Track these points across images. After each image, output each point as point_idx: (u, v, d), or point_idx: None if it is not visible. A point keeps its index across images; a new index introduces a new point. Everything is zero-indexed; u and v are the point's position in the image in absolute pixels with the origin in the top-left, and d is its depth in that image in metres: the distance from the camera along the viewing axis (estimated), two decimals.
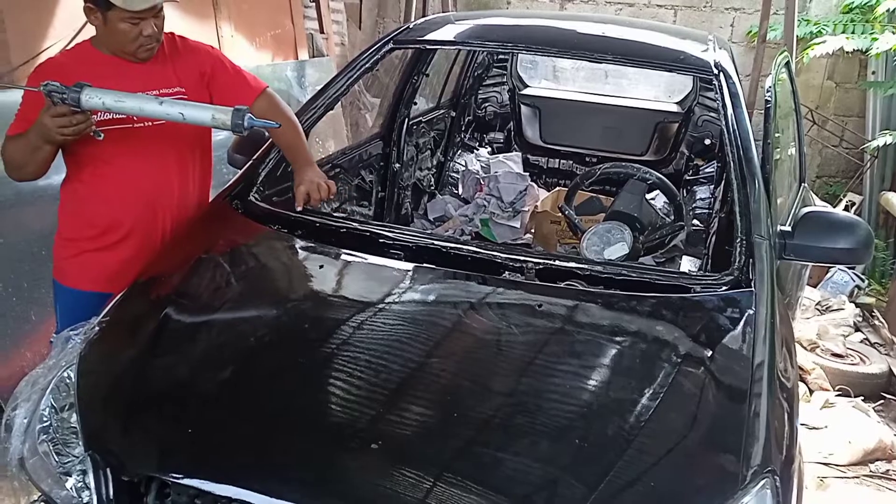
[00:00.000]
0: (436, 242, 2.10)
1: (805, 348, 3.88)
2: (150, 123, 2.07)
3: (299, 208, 2.21)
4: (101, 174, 2.09)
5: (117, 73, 2.00)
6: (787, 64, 3.17)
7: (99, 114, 1.93)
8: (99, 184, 2.09)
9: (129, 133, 2.06)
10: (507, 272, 1.99)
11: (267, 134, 2.32)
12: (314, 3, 5.19)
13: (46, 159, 1.97)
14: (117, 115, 1.97)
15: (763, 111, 2.36)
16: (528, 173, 4.26)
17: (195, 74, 2.15)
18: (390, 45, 2.72)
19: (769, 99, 2.36)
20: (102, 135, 1.93)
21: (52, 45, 2.09)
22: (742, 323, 1.83)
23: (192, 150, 2.24)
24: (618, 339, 1.81)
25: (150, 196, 2.14)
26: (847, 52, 5.80)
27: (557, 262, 2.02)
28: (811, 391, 3.63)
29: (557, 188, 4.06)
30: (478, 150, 4.51)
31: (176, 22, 3.72)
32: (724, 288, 1.91)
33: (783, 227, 2.11)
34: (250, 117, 1.84)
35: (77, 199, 2.13)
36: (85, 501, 1.54)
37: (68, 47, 2.19)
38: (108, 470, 1.53)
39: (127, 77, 2.01)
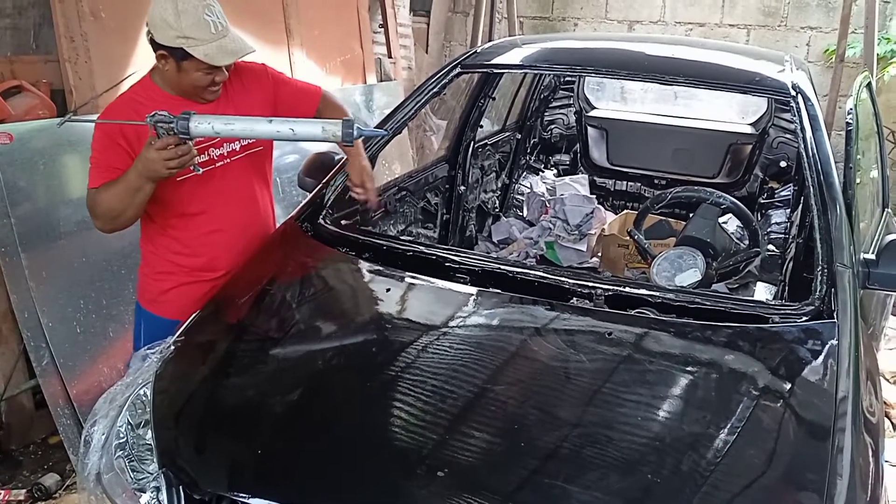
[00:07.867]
0: (502, 267, 2.09)
1: (889, 381, 3.70)
2: (228, 161, 2.11)
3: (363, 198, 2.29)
4: (191, 216, 2.11)
5: None
6: (869, 84, 3.06)
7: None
8: (191, 226, 2.12)
9: (214, 172, 2.08)
10: (574, 298, 1.96)
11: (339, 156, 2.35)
12: (382, 29, 5.28)
13: (145, 201, 1.95)
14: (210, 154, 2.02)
15: (844, 133, 2.27)
16: (594, 196, 4.21)
17: (259, 101, 2.15)
18: (457, 70, 2.75)
19: (850, 121, 2.27)
20: (202, 169, 1.95)
21: (134, 73, 2.15)
22: (824, 355, 1.76)
23: (265, 178, 2.28)
24: (691, 369, 1.75)
25: (240, 228, 2.19)
26: None
27: (627, 289, 1.98)
28: None
29: (625, 211, 4.00)
30: (543, 172, 4.48)
31: None
32: (805, 318, 1.84)
33: (867, 255, 2.03)
34: (358, 127, 1.85)
35: (169, 242, 2.15)
36: None
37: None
38: (180, 487, 1.56)
39: None
